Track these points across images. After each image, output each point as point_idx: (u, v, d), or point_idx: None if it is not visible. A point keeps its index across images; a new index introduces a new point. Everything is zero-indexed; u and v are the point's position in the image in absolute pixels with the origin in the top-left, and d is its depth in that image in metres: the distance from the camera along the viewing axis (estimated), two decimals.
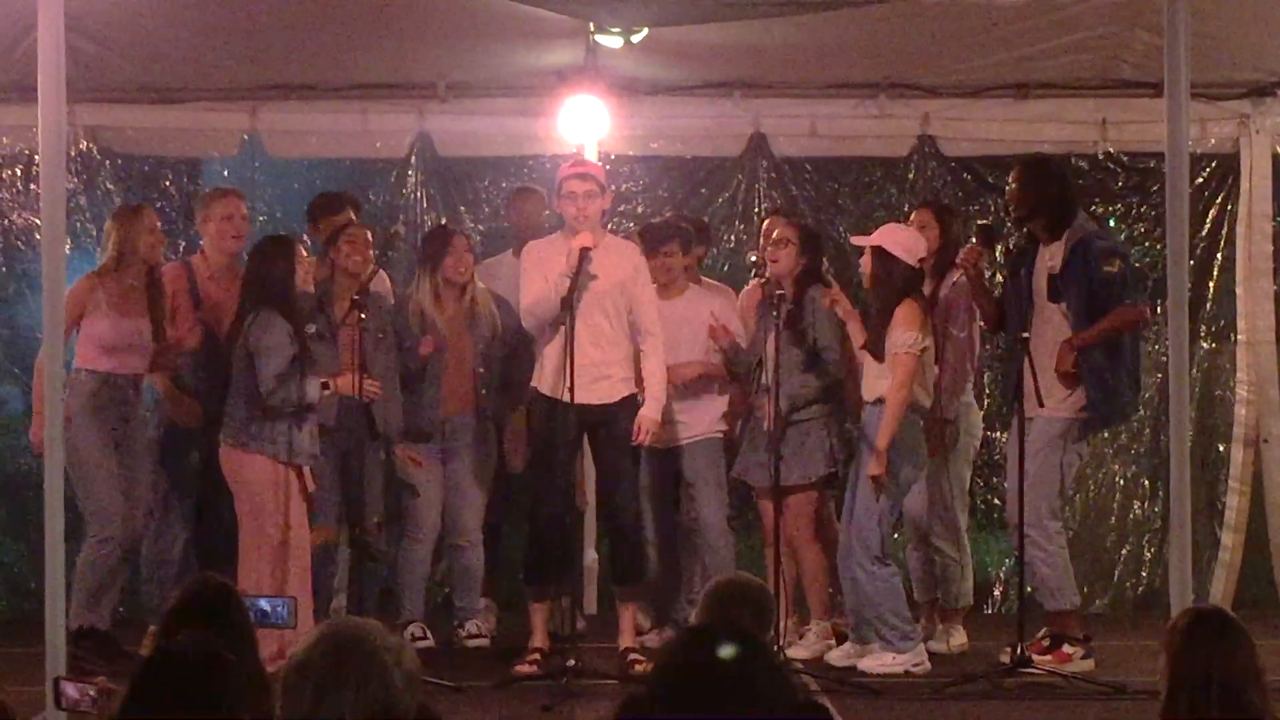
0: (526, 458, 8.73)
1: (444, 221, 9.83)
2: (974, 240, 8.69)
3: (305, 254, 8.35)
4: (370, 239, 8.85)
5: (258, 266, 8.26)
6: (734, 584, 5.00)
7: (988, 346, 9.47)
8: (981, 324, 8.75)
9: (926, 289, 8.67)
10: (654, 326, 8.32)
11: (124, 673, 3.85)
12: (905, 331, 8.11)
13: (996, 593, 10.16)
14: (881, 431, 8.08)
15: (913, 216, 8.97)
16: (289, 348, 8.07)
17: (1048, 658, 8.19)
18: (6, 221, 9.99)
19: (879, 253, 8.22)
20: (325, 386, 8.10)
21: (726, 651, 2.92)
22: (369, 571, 8.53)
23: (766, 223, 9.10)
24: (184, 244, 9.59)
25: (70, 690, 4.44)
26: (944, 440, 8.64)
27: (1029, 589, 8.27)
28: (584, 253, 8.09)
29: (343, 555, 8.97)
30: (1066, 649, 8.28)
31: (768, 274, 8.69)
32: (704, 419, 8.79)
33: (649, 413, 8.24)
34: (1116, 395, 8.36)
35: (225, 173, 10.39)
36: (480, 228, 10.13)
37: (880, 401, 8.13)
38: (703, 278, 9.12)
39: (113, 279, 8.51)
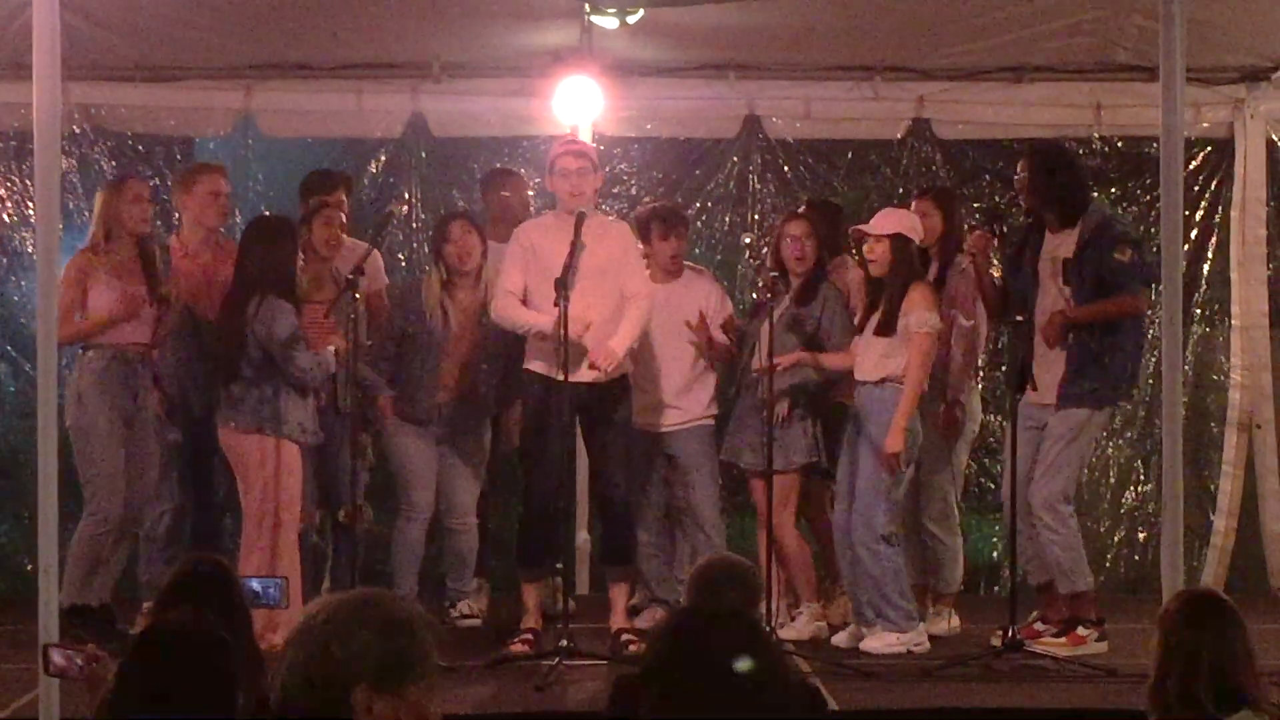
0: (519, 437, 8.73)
1: (458, 206, 9.81)
2: (980, 226, 8.65)
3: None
4: (344, 220, 8.79)
5: (262, 248, 8.21)
6: (721, 564, 5.02)
7: (992, 333, 9.45)
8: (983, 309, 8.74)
9: (930, 275, 8.66)
10: (642, 289, 8.32)
11: (117, 650, 3.85)
12: (925, 311, 8.13)
13: (989, 576, 10.17)
14: (901, 408, 8.07)
15: (913, 205, 8.94)
16: (299, 330, 8.09)
17: (1062, 640, 8.21)
18: None
19: (896, 239, 8.21)
20: (336, 352, 8.14)
21: (743, 665, 2.92)
22: (355, 554, 8.51)
23: (787, 224, 8.92)
24: (178, 220, 9.59)
25: (57, 657, 4.46)
26: (955, 423, 8.66)
27: (1024, 575, 8.26)
28: (579, 227, 8.10)
29: (328, 537, 8.97)
30: (1081, 631, 8.28)
31: (768, 264, 8.68)
32: (696, 404, 8.78)
33: (613, 343, 8.16)
34: (1109, 377, 8.34)
35: (219, 152, 10.37)
36: (474, 208, 10.10)
37: (885, 381, 8.13)
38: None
39: (104, 252, 8.44)
